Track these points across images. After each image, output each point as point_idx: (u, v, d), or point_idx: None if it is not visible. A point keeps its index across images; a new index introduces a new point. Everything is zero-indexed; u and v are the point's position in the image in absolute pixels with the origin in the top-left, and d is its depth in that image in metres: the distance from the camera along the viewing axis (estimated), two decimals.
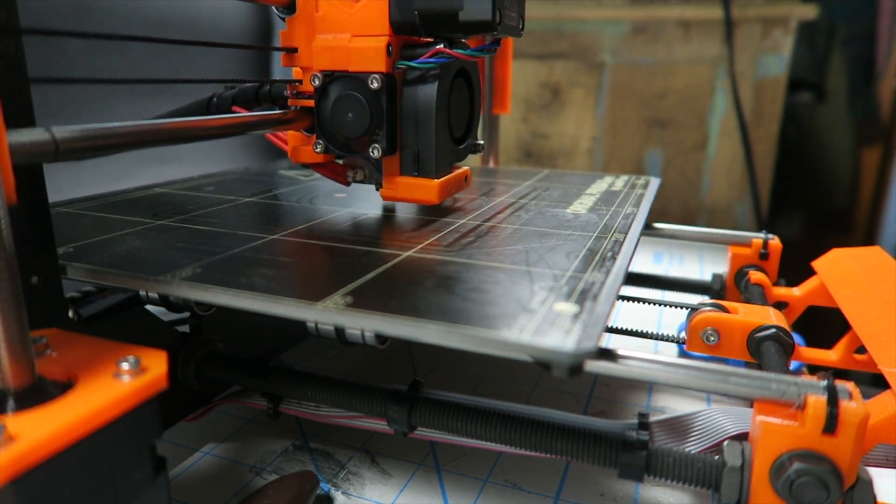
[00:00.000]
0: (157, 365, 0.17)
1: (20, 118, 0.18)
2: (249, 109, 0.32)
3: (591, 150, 0.87)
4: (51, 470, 0.14)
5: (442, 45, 0.27)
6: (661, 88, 0.82)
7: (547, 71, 0.86)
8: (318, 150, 0.29)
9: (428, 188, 0.28)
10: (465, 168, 0.32)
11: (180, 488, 0.26)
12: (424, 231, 0.28)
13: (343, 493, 0.26)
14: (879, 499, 0.18)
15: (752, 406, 0.19)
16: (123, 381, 0.16)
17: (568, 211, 0.32)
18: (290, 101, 0.30)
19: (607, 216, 0.31)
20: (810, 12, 0.77)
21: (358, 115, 0.27)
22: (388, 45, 0.27)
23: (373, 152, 0.27)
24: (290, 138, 0.31)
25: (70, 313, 0.22)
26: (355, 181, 0.31)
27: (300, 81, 0.29)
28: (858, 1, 0.98)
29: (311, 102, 0.29)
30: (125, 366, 0.16)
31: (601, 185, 0.39)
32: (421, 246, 0.25)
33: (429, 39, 0.28)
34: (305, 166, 0.32)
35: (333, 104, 0.28)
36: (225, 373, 0.27)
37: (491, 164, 0.52)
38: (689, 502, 0.26)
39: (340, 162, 0.32)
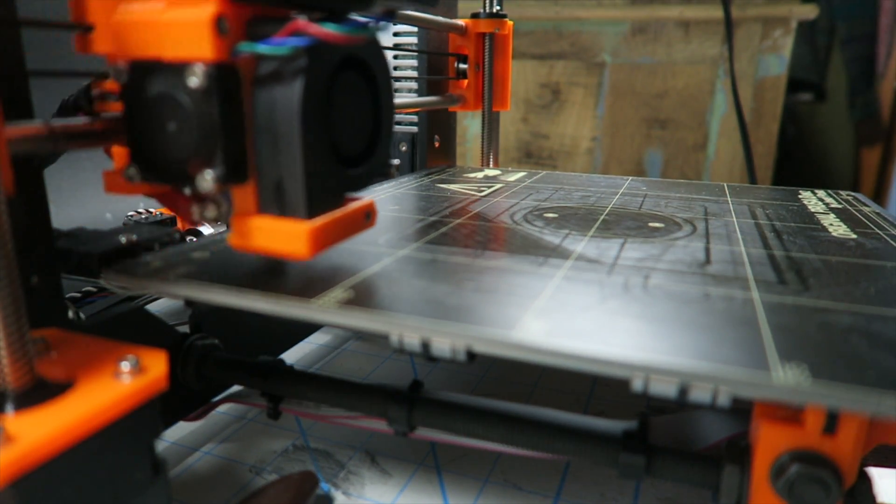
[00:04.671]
0: (157, 365, 0.17)
1: (19, 110, 0.18)
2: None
3: (591, 150, 0.87)
4: (51, 471, 0.14)
5: (301, 19, 0.18)
6: (661, 88, 0.82)
7: (547, 71, 0.86)
8: (130, 175, 0.19)
9: (294, 235, 0.19)
10: (366, 200, 0.22)
11: (180, 488, 0.26)
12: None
13: (343, 493, 0.26)
14: (879, 499, 0.18)
15: (752, 406, 0.19)
16: (123, 381, 0.16)
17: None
18: (97, 106, 0.21)
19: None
20: (810, 12, 0.77)
21: (181, 127, 0.18)
22: (220, 17, 0.17)
23: (201, 182, 0.18)
24: (116, 157, 0.21)
25: (70, 313, 0.22)
26: (205, 220, 0.21)
27: (107, 75, 0.20)
28: (858, 1, 0.99)
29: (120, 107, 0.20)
30: (125, 366, 0.16)
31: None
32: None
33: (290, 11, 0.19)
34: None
35: (145, 111, 0.19)
36: (225, 373, 0.27)
37: (490, 165, 0.52)
38: (689, 502, 0.26)
39: (185, 193, 0.20)
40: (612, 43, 0.82)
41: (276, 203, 0.19)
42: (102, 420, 0.15)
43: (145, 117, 0.19)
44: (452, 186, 0.39)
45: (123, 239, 0.25)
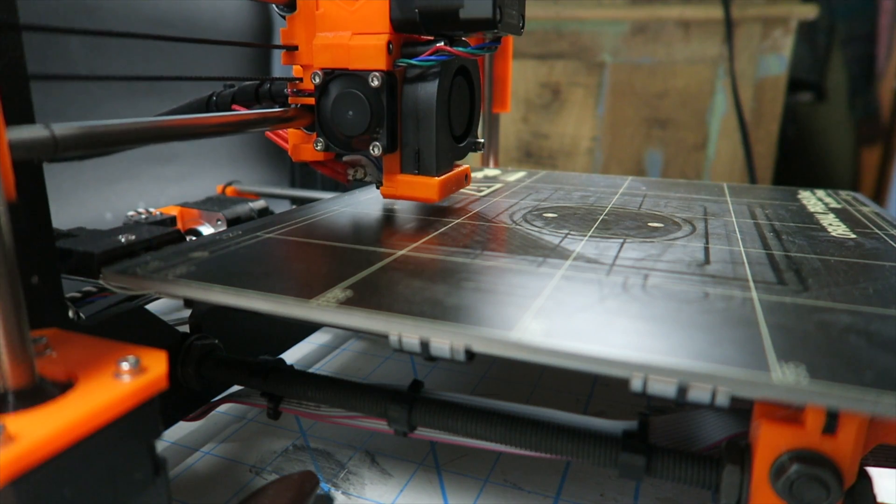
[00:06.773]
0: (157, 365, 0.17)
1: (20, 115, 0.18)
2: (249, 108, 0.32)
3: (591, 150, 0.87)
4: (51, 470, 0.14)
5: (442, 43, 0.27)
6: (661, 88, 0.82)
7: (547, 71, 0.86)
8: (319, 147, 0.29)
9: (428, 186, 0.29)
10: (466, 166, 0.32)
11: (180, 488, 0.26)
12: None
13: (343, 493, 0.26)
14: (879, 499, 0.18)
15: (752, 406, 0.19)
16: (123, 381, 0.16)
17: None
18: (290, 99, 0.30)
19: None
20: (810, 12, 0.77)
21: (358, 113, 0.27)
22: (389, 43, 0.27)
23: (373, 150, 0.28)
24: (290, 136, 0.31)
25: (70, 313, 0.22)
26: (355, 179, 0.32)
27: (300, 79, 0.29)
28: (858, 1, 0.98)
29: (311, 100, 0.29)
30: (125, 366, 0.16)
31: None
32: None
33: (429, 38, 0.28)
34: (306, 164, 0.32)
35: (334, 102, 0.28)
36: (225, 373, 0.27)
37: (491, 165, 0.52)
38: (688, 502, 0.26)
39: (341, 160, 0.32)
40: (612, 43, 0.82)
41: (415, 165, 0.29)
42: (102, 420, 0.15)
43: (333, 106, 0.28)
44: None
45: (123, 239, 0.26)
